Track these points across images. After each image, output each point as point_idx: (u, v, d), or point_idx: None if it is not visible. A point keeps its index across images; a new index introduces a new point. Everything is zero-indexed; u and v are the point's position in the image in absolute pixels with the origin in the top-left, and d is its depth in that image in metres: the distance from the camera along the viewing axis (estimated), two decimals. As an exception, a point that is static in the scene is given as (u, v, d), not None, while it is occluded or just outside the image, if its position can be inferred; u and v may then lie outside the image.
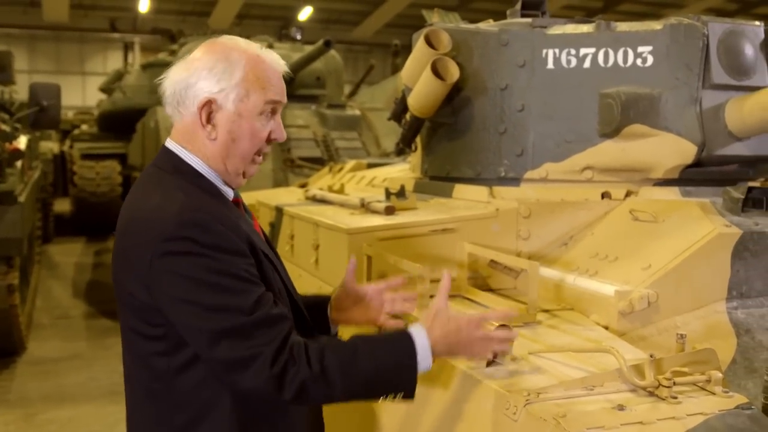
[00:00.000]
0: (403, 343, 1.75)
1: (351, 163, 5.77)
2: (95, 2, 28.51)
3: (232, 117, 1.76)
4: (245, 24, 27.21)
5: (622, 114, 2.97)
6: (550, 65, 3.13)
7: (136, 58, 28.01)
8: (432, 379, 2.03)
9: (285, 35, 11.16)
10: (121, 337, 1.84)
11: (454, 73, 3.24)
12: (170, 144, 1.82)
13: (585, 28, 3.13)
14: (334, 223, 2.92)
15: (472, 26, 3.42)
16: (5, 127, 6.34)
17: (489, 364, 1.91)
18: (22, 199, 5.88)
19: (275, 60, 1.85)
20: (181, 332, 1.67)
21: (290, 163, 8.86)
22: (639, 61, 3.02)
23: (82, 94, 30.03)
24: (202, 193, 1.75)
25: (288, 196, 4.24)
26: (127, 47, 26.60)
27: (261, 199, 4.23)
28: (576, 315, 2.50)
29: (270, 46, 9.28)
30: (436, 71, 3.23)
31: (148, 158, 9.85)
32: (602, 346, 1.86)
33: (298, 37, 10.71)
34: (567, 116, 3.11)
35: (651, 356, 1.70)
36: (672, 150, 2.97)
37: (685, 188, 3.03)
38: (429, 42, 3.30)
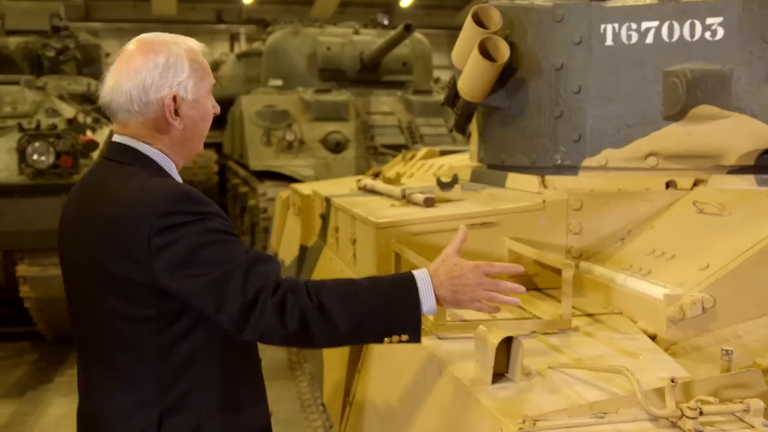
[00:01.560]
0: (405, 281, 1.81)
1: (423, 151, 5.56)
2: (202, -5, 29.10)
3: (192, 104, 1.89)
4: (348, 12, 27.17)
5: (689, 94, 2.66)
6: (609, 41, 2.84)
7: (242, 49, 28.44)
8: (431, 392, 1.83)
9: (372, 21, 10.98)
10: (92, 325, 1.87)
11: (504, 53, 2.99)
12: (125, 140, 1.89)
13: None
14: (365, 215, 2.72)
15: (525, 2, 3.15)
16: (80, 119, 6.39)
17: (496, 379, 1.68)
18: (96, 190, 5.91)
19: (199, 45, 1.95)
20: (188, 299, 1.74)
21: (373, 151, 8.72)
22: (708, 35, 2.70)
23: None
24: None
25: (342, 187, 4.07)
26: (233, 38, 27.06)
27: (316, 188, 4.07)
28: (623, 321, 2.24)
29: (356, 33, 9.25)
30: (485, 51, 2.99)
31: (237, 146, 9.88)
32: (614, 366, 1.60)
33: (385, 22, 10.51)
34: (628, 97, 2.81)
35: (672, 380, 1.43)
36: (745, 133, 2.65)
37: (762, 176, 2.70)
38: (478, 20, 3.05)
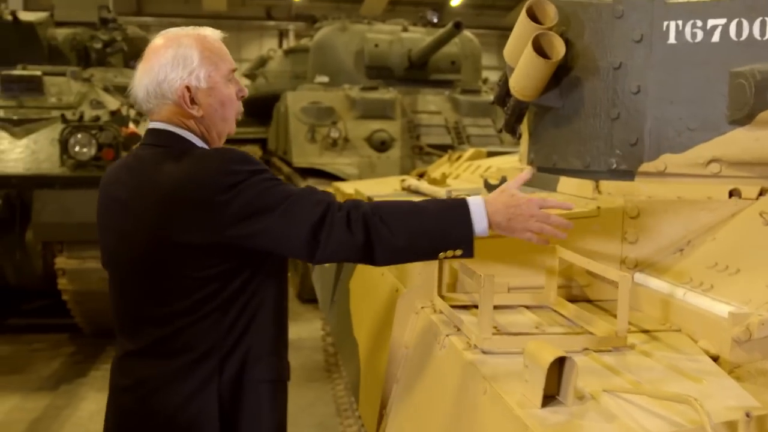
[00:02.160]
0: (457, 202, 1.99)
1: (470, 151, 5.41)
2: (252, -9, 29.22)
3: (207, 92, 2.03)
4: (398, 10, 27.07)
5: (757, 96, 2.47)
6: (672, 40, 2.68)
7: (290, 45, 28.52)
8: (474, 412, 1.69)
9: (422, 18, 10.84)
10: (148, 298, 2.01)
11: (559, 49, 2.83)
12: (159, 125, 2.06)
13: (714, -5, 2.65)
14: (410, 219, 2.59)
15: (583, -3, 3.00)
16: (123, 111, 6.36)
17: (546, 402, 1.54)
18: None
19: (215, 32, 2.09)
20: (258, 241, 1.90)
21: (419, 150, 8.59)
22: (780, 34, 2.52)
23: (245, 81, 30.84)
24: None
25: (385, 187, 3.94)
26: (282, 34, 27.17)
27: (359, 188, 3.95)
28: (682, 339, 2.08)
29: (404, 30, 9.13)
30: (539, 48, 2.84)
31: (281, 142, 9.81)
32: (679, 395, 1.45)
33: (435, 20, 10.35)
34: (691, 99, 2.64)
35: (747, 414, 1.28)
36: (818, 140, 2.47)
37: (835, 187, 2.52)
38: (532, 15, 2.90)
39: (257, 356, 2.03)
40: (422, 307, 2.37)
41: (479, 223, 1.95)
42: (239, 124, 8.90)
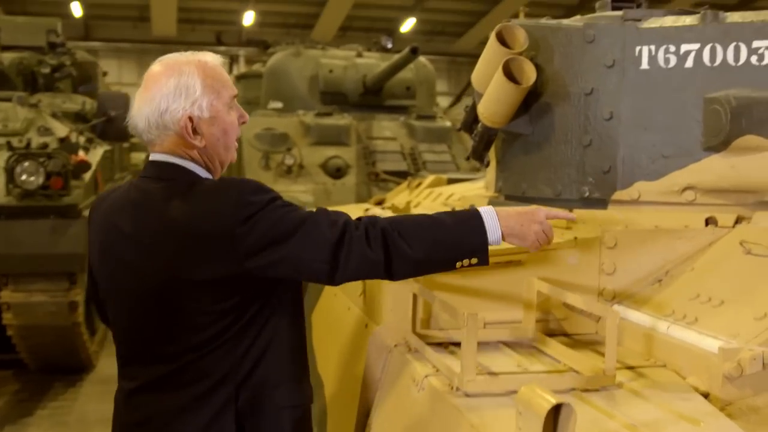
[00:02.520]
0: (470, 212, 2.02)
1: (430, 178, 5.31)
2: (202, 17, 29.04)
3: (209, 122, 1.98)
4: (348, 36, 27.11)
5: (733, 123, 2.43)
6: (645, 65, 2.62)
7: (241, 70, 28.39)
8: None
9: (376, 44, 10.78)
10: (157, 333, 1.97)
11: (530, 75, 2.76)
12: (161, 156, 2.00)
13: (687, 20, 2.60)
14: (380, 251, 2.48)
15: (552, 21, 2.93)
16: (73, 138, 6.14)
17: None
18: (87, 213, 5.66)
19: (214, 57, 2.04)
20: (278, 268, 1.87)
21: (374, 177, 8.48)
22: (754, 59, 2.47)
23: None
24: None
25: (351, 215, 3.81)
26: (233, 60, 26.99)
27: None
28: (669, 375, 1.99)
29: (359, 56, 9.04)
30: (510, 73, 2.76)
31: (234, 169, 9.63)
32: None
33: (389, 45, 10.30)
34: (665, 126, 2.59)
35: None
36: (795, 167, 2.42)
37: (812, 215, 2.46)
38: (502, 39, 2.83)
39: (276, 382, 2.00)
40: (396, 345, 2.25)
41: (493, 232, 2.00)
42: None
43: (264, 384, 1.98)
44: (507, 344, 2.26)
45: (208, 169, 2.03)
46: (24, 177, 5.52)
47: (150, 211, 1.96)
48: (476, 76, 3.03)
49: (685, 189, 2.57)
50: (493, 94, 2.85)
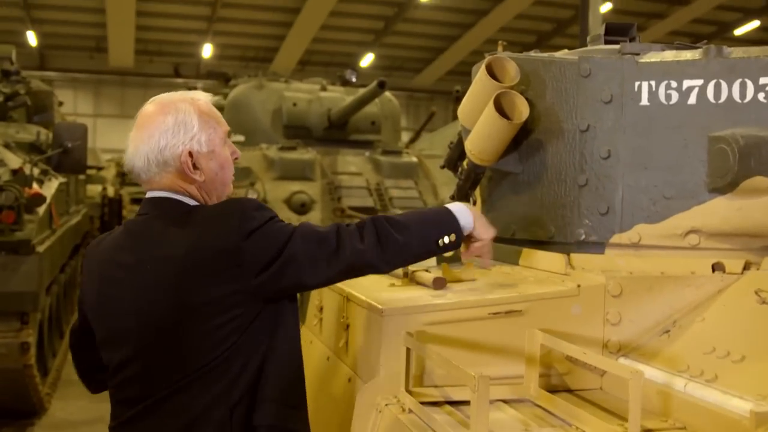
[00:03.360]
0: (441, 207, 2.21)
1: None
2: (160, 48, 28.87)
3: (208, 156, 2.01)
4: (307, 70, 27.08)
5: (740, 163, 2.29)
6: (644, 101, 2.47)
7: (198, 104, 28.07)
8: None
9: (340, 78, 10.64)
10: (159, 360, 1.95)
11: (522, 110, 2.60)
12: (159, 193, 2.02)
13: (689, 54, 2.47)
14: (366, 298, 2.27)
15: (545, 55, 2.78)
16: (27, 170, 5.85)
17: None
18: (41, 248, 5.39)
19: (205, 95, 2.09)
20: (290, 274, 1.92)
21: (340, 213, 8.29)
22: (761, 96, 2.34)
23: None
24: None
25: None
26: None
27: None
28: (691, 439, 1.81)
29: (323, 89, 8.88)
30: (501, 108, 2.60)
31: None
32: None
33: (353, 79, 10.17)
34: (666, 165, 2.44)
35: None
36: (806, 210, 2.29)
37: (824, 261, 2.32)
38: (491, 73, 2.67)
39: (272, 407, 1.98)
40: (386, 405, 2.04)
41: (464, 216, 2.18)
42: None
43: (260, 406, 1.96)
44: (507, 402, 2.07)
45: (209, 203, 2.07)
46: None
47: (150, 241, 1.98)
48: (463, 110, 2.86)
49: (688, 232, 2.42)
50: (482, 130, 2.68)
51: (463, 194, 3.01)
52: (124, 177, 15.30)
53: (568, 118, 2.60)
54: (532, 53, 2.86)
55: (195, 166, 1.99)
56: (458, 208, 2.19)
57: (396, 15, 25.98)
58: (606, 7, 18.04)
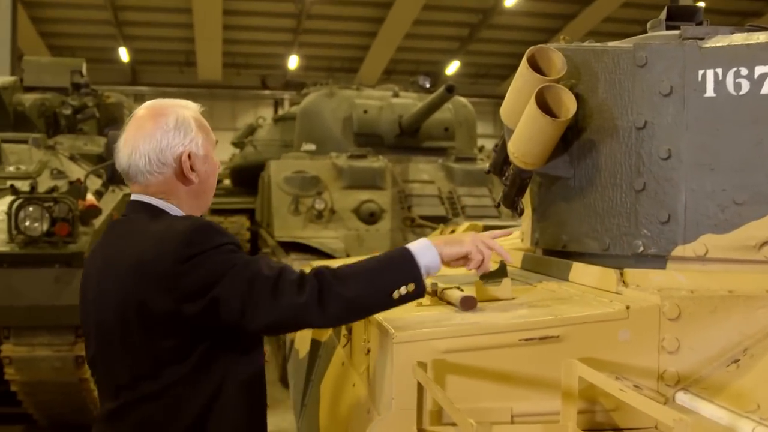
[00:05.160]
0: (397, 250, 2.04)
1: (464, 225, 4.84)
2: (247, 61, 29.23)
3: (203, 159, 2.07)
4: (393, 79, 26.99)
5: (826, 163, 1.94)
6: (710, 92, 2.14)
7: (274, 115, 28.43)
8: None
9: (413, 84, 10.36)
10: (120, 367, 1.97)
11: (569, 106, 2.30)
12: (144, 198, 2.04)
13: (762, 37, 2.12)
14: (382, 320, 2.00)
15: (596, 44, 2.47)
16: (85, 182, 5.77)
17: None
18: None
19: (196, 106, 2.13)
20: (215, 313, 1.84)
21: (410, 222, 8.01)
22: None
23: (231, 149, 30.65)
24: None
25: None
26: (277, 103, 27.05)
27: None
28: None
29: (395, 95, 8.64)
30: (545, 105, 2.30)
31: (265, 212, 9.27)
32: None
33: (427, 85, 9.86)
34: (736, 166, 2.11)
35: None
36: None
37: None
38: (534, 65, 2.37)
39: None
40: (397, 446, 1.77)
41: (426, 253, 2.00)
42: (228, 194, 8.58)
43: None
44: (541, 445, 1.76)
45: (193, 211, 2.09)
46: (27, 223, 5.15)
47: (116, 244, 2.03)
48: (505, 109, 2.57)
49: (764, 244, 2.07)
50: (525, 131, 2.39)
51: (509, 202, 2.71)
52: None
53: (623, 114, 2.29)
54: (584, 43, 2.55)
55: (192, 168, 2.03)
56: (419, 247, 2.01)
57: (481, 22, 25.63)
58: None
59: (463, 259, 2.09)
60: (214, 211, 13.33)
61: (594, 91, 2.38)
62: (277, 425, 6.63)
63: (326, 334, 3.27)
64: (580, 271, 2.36)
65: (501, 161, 2.76)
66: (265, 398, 2.15)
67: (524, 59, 2.38)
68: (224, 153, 26.83)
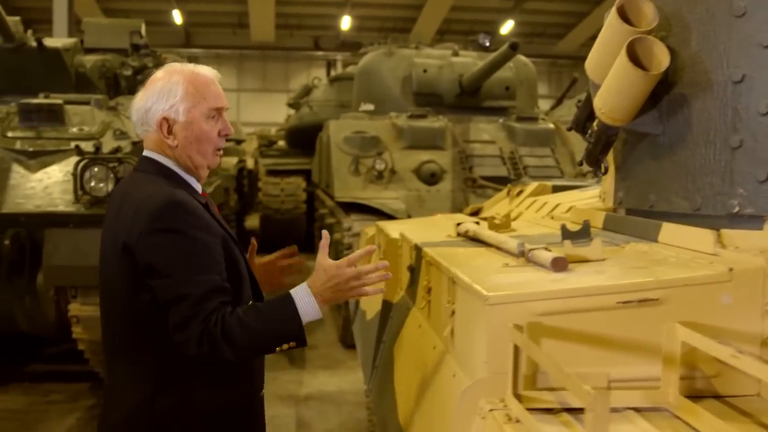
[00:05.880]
0: (284, 303, 2.11)
1: (533, 186, 4.73)
2: (300, 22, 29.15)
3: (184, 125, 2.20)
4: (446, 39, 26.70)
5: None
6: (816, 42, 2.02)
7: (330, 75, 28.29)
8: None
9: (473, 42, 10.18)
10: (114, 313, 2.23)
11: (661, 59, 2.20)
12: (147, 153, 2.26)
13: None
14: (471, 282, 1.94)
15: (689, -8, 2.35)
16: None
17: None
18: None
19: (209, 72, 2.28)
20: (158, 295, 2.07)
21: (471, 183, 7.90)
22: None
23: (286, 110, 30.70)
24: (179, 188, 2.18)
25: (441, 230, 3.27)
26: (330, 64, 27.00)
27: (405, 231, 3.29)
28: None
29: (455, 54, 8.49)
30: (635, 58, 2.20)
31: (324, 174, 9.24)
32: None
33: (487, 44, 9.66)
34: (843, 121, 1.99)
35: None
36: None
37: None
38: (624, 16, 2.27)
39: (197, 390, 2.16)
40: (491, 410, 1.71)
41: (309, 311, 2.12)
42: (284, 155, 8.55)
43: (183, 390, 2.14)
44: (640, 411, 1.69)
45: (187, 168, 2.25)
46: (93, 183, 5.19)
47: (122, 196, 2.23)
48: (591, 63, 2.47)
49: None
50: (614, 85, 2.29)
51: (593, 160, 2.61)
52: (262, 150, 15.46)
53: (719, 68, 2.18)
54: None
55: (169, 132, 2.19)
56: (303, 303, 2.12)
57: (536, -21, 25.19)
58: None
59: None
60: (270, 172, 13.37)
61: (686, 44, 2.27)
62: (338, 386, 6.68)
63: (398, 295, 3.23)
64: (671, 231, 2.27)
65: (584, 118, 2.67)
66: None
67: (613, 10, 2.28)
68: (279, 115, 26.94)
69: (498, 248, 2.48)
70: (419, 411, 2.34)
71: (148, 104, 2.18)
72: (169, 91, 2.17)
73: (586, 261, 2.09)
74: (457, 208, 7.43)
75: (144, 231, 2.04)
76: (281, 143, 15.23)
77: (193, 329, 2.00)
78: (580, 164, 2.73)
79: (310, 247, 13.36)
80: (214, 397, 2.16)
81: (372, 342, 3.50)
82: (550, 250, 2.10)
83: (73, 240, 5.17)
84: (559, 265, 1.97)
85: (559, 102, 14.45)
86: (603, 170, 2.62)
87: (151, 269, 2.04)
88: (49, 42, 7.39)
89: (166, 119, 2.18)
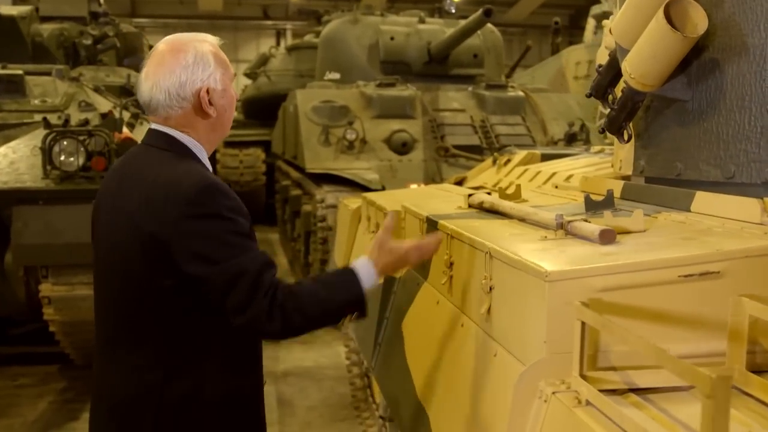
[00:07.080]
0: (347, 275, 2.11)
1: (521, 155, 4.65)
2: (249, -9, 28.59)
3: (221, 93, 2.13)
4: (397, 7, 26.46)
5: None
6: None
7: (288, 44, 27.92)
8: None
9: (438, 9, 10.05)
10: (121, 297, 2.08)
11: (698, 22, 2.12)
12: (164, 128, 2.12)
13: None
14: (520, 257, 1.84)
15: (722, -48, 2.27)
16: (116, 114, 5.56)
17: None
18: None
19: (215, 39, 2.20)
20: (198, 283, 1.96)
21: (444, 152, 7.80)
22: None
23: (236, 82, 30.13)
24: (204, 168, 2.09)
25: (443, 202, 3.17)
26: (279, 34, 26.64)
27: (408, 204, 3.19)
28: None
29: (421, 21, 8.36)
30: (670, 21, 2.12)
31: (289, 144, 9.08)
32: None
33: (453, 10, 9.56)
34: None
35: None
36: None
37: None
38: (657, -22, 2.18)
39: (209, 380, 2.07)
40: (554, 393, 1.63)
41: (370, 281, 2.11)
42: (240, 125, 8.40)
43: (195, 378, 2.05)
44: (706, 389, 1.62)
45: (210, 143, 2.16)
46: (63, 158, 4.95)
47: (131, 176, 2.09)
48: (618, 27, 2.38)
49: None
50: (647, 49, 2.21)
51: (616, 127, 2.53)
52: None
53: (754, 31, 2.11)
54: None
55: (210, 102, 2.09)
56: (360, 269, 2.11)
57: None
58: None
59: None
60: (228, 144, 13.12)
61: (719, 6, 2.20)
62: (316, 361, 6.59)
63: (401, 270, 3.13)
64: (706, 200, 2.20)
65: (606, 84, 2.58)
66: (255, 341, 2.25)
67: (646, -28, 2.19)
68: (234, 85, 26.40)
69: (523, 220, 2.39)
70: (444, 388, 2.26)
71: (182, 78, 2.06)
72: (202, 59, 2.08)
73: (627, 232, 2.02)
74: (429, 178, 7.34)
75: (181, 217, 1.93)
76: (236, 114, 14.96)
77: (259, 305, 1.92)
78: (602, 131, 2.64)
79: (270, 220, 13.23)
80: (225, 386, 2.09)
81: (372, 318, 3.41)
82: (589, 222, 2.02)
83: (43, 217, 4.94)
84: (608, 237, 1.89)
85: (512, 70, 14.40)
86: (626, 138, 2.54)
87: (194, 257, 1.93)
88: (3, 10, 7.07)
89: (207, 89, 2.08)
